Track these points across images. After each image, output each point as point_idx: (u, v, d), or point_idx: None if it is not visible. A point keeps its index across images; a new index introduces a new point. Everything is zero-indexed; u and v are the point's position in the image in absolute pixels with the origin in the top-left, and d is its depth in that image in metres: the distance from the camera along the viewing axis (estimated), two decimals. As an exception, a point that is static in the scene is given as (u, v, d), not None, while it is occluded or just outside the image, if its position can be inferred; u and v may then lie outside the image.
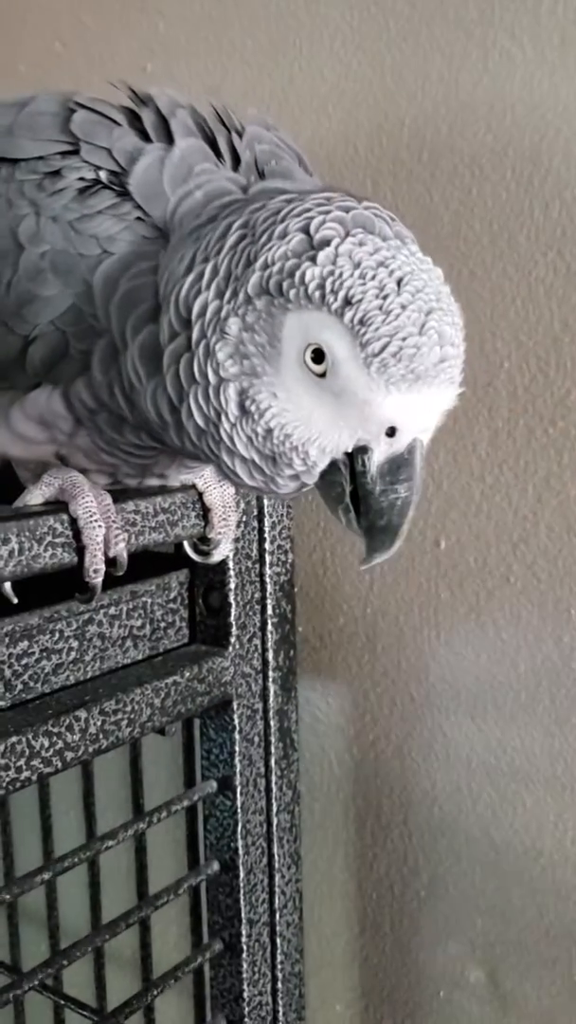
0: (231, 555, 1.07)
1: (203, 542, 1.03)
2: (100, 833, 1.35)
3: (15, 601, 0.89)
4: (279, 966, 1.18)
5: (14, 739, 0.86)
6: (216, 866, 1.14)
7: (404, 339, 0.69)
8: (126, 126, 0.84)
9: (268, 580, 1.12)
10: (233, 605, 1.09)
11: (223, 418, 0.78)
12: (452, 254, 1.19)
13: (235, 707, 1.10)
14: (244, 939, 1.14)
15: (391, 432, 0.73)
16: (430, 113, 1.20)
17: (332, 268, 0.70)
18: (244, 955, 1.14)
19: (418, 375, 0.70)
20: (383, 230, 0.73)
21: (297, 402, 0.75)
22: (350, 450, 0.75)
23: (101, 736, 0.93)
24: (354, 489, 0.76)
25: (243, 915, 1.13)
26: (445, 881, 1.31)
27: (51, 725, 0.89)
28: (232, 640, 1.09)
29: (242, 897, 1.13)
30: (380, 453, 0.74)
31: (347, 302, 0.69)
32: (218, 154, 0.86)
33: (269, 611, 1.13)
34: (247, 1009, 1.14)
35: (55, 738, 0.89)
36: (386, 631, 1.32)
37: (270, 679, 1.14)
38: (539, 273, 1.15)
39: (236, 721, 1.10)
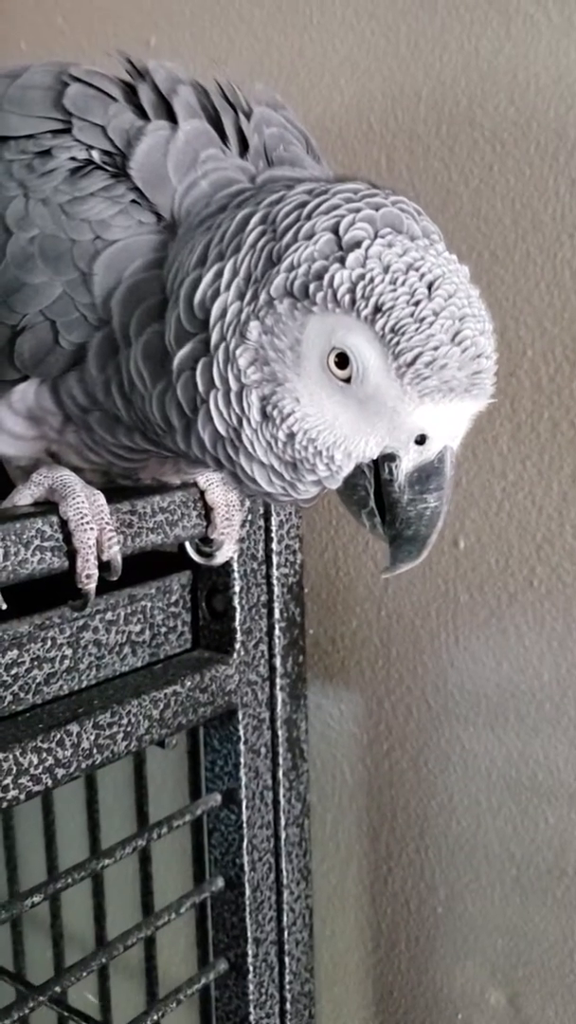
0: (236, 556, 1.04)
1: (205, 543, 1.00)
2: (104, 837, 1.35)
3: (4, 607, 0.86)
4: (287, 986, 1.15)
5: (0, 756, 0.82)
6: (221, 882, 1.11)
7: (437, 348, 0.69)
8: (123, 102, 0.81)
9: (275, 582, 1.09)
10: (238, 609, 1.06)
11: (244, 424, 0.77)
12: (472, 235, 1.17)
13: (240, 717, 1.07)
14: (250, 959, 1.11)
15: (420, 440, 0.73)
16: (448, 84, 1.17)
17: (362, 272, 0.69)
18: (250, 976, 1.11)
19: (452, 387, 0.70)
20: (411, 228, 0.72)
21: (320, 406, 0.74)
22: (376, 457, 0.75)
23: (95, 751, 0.90)
24: (378, 492, 0.76)
25: (249, 934, 1.10)
26: (463, 898, 1.29)
27: (40, 740, 0.86)
28: (237, 646, 1.06)
29: (248, 915, 1.10)
30: (409, 461, 0.74)
31: (378, 309, 0.69)
32: (223, 136, 0.82)
33: (277, 615, 1.09)
34: (254, 1032, 1.11)
35: (45, 754, 0.86)
36: (401, 635, 1.29)
37: (278, 687, 1.10)
38: (565, 255, 1.11)
39: (241, 732, 1.07)
